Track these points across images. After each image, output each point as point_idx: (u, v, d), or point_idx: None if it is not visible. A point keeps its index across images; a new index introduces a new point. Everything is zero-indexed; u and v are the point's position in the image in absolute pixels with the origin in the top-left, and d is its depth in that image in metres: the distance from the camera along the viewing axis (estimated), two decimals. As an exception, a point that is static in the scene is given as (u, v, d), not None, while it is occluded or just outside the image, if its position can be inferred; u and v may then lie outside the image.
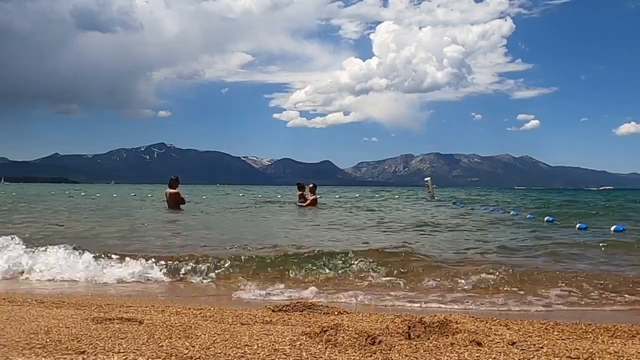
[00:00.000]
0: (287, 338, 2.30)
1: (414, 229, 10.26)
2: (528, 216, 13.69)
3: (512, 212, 15.24)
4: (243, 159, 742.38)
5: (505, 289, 4.63)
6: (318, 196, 16.82)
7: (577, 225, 10.62)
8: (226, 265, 5.43)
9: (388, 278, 5.03)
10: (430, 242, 7.83)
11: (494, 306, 4.07)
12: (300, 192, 16.73)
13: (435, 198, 27.98)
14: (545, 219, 12.41)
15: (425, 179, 30.81)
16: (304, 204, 15.86)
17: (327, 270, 5.29)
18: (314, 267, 5.37)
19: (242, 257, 5.70)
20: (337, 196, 28.59)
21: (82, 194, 34.22)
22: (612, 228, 9.96)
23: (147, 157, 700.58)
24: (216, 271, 5.28)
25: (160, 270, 5.27)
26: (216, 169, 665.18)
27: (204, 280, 5.11)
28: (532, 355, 2.09)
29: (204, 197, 28.19)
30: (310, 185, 16.59)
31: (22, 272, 5.35)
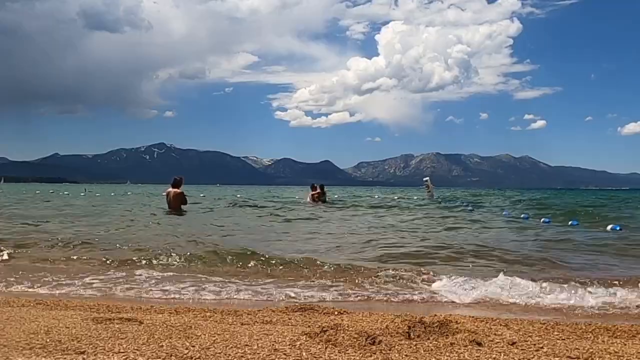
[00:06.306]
0: (287, 338, 2.30)
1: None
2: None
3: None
4: (243, 159, 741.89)
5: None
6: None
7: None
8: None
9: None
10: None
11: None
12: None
13: (435, 197, 27.99)
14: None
15: (425, 179, 30.86)
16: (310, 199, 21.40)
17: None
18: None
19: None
20: (335, 196, 28.85)
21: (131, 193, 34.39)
22: (609, 227, 10.03)
23: (147, 157, 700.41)
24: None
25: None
26: (216, 169, 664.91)
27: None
28: (532, 355, 2.09)
29: (201, 195, 29.67)
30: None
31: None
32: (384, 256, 6.34)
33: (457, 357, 2.06)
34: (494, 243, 7.58)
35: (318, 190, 21.14)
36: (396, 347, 2.18)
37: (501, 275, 4.54)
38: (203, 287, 4.54)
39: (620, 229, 9.85)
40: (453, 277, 4.70)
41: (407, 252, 6.71)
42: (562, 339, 2.44)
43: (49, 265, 5.59)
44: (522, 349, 2.17)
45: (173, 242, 7.00)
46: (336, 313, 3.23)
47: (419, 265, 5.43)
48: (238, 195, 30.31)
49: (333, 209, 17.26)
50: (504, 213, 15.23)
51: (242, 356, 2.06)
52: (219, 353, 2.09)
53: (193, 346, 2.17)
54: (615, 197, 34.34)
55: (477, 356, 2.06)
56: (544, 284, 4.33)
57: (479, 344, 2.21)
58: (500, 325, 2.80)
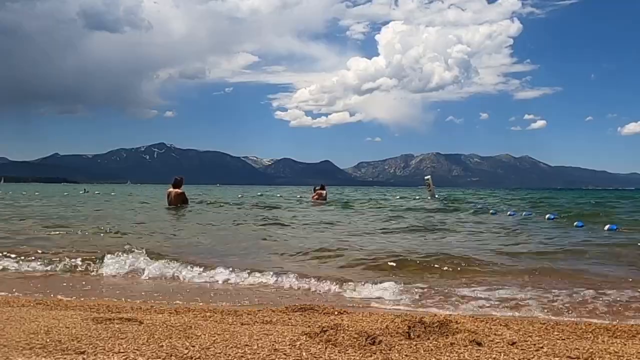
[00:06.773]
0: (287, 338, 2.30)
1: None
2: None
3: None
4: (243, 159, 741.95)
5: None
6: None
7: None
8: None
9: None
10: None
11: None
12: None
13: (436, 196, 28.01)
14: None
15: (426, 178, 30.84)
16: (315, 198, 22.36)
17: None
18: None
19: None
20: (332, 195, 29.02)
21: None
22: (606, 227, 10.04)
23: (147, 157, 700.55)
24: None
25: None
26: (216, 169, 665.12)
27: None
28: (532, 355, 2.09)
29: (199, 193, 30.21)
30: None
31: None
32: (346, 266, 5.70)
33: (457, 357, 2.06)
34: (492, 246, 7.51)
35: (319, 191, 22.23)
36: (396, 347, 2.18)
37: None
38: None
39: (617, 229, 9.87)
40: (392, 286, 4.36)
41: (372, 258, 5.98)
42: (562, 339, 2.44)
43: (46, 265, 5.58)
44: (522, 349, 2.17)
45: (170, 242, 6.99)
46: (336, 313, 3.23)
47: (380, 272, 5.08)
48: (239, 196, 30.39)
49: (327, 210, 17.20)
50: (509, 213, 15.26)
51: (242, 356, 2.06)
52: (219, 353, 2.09)
53: (193, 346, 2.17)
54: (620, 197, 34.38)
55: (477, 356, 2.06)
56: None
57: (479, 344, 2.21)
58: (500, 325, 2.79)
